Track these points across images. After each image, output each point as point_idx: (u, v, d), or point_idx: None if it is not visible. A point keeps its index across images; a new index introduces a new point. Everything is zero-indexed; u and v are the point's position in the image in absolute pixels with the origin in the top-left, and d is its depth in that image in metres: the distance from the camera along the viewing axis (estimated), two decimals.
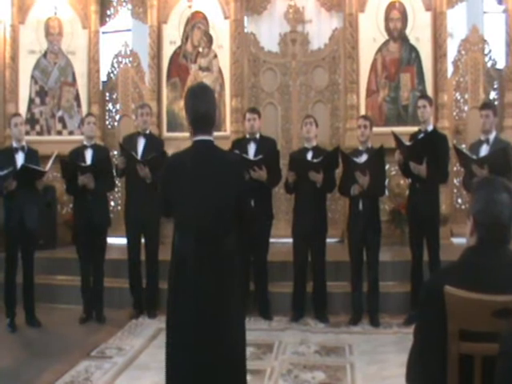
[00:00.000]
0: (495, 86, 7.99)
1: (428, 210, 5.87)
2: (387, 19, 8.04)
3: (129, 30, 9.90)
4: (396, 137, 5.92)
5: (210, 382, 3.19)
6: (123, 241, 6.63)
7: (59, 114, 8.63)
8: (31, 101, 8.64)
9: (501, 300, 2.01)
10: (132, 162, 6.16)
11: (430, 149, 5.79)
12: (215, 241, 3.22)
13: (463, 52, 8.07)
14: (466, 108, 8.04)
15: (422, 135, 6.01)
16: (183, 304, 3.21)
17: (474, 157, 5.71)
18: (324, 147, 6.68)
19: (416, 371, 2.17)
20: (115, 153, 7.84)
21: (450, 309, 2.04)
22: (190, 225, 3.26)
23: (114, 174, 6.51)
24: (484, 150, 5.80)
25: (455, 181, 7.88)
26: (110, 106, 8.77)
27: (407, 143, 5.93)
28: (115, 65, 8.72)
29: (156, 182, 5.59)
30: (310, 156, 6.12)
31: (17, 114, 6.64)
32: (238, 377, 3.29)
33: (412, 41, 7.97)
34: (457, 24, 9.20)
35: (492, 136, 5.85)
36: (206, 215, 3.21)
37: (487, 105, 6.25)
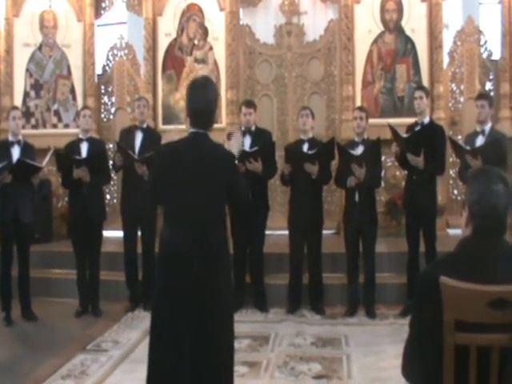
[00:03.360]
0: (491, 77, 7.99)
1: (425, 201, 5.86)
2: (383, 10, 8.02)
3: (124, 23, 9.83)
4: (393, 129, 5.91)
5: (196, 378, 3.17)
6: (119, 234, 6.62)
7: (54, 107, 8.60)
8: (26, 94, 8.61)
9: (496, 290, 2.01)
10: (129, 160, 6.15)
11: (427, 140, 5.78)
12: (205, 232, 3.21)
13: (459, 43, 8.06)
14: (461, 99, 8.03)
15: (418, 127, 5.99)
16: (173, 298, 3.18)
17: (468, 148, 5.71)
18: (320, 139, 6.67)
19: (412, 362, 2.17)
20: (111, 146, 7.83)
21: (446, 299, 2.04)
22: (180, 216, 3.24)
23: (110, 167, 6.48)
24: (480, 141, 5.78)
25: (451, 172, 7.87)
26: (105, 98, 8.74)
27: (404, 135, 5.92)
28: (110, 57, 8.68)
29: None
30: (305, 148, 6.11)
31: (15, 108, 6.58)
32: (224, 373, 3.28)
33: (408, 32, 7.96)
34: (452, 15, 9.16)
35: (488, 127, 5.84)
36: (195, 207, 3.20)
37: (483, 95, 6.27)
